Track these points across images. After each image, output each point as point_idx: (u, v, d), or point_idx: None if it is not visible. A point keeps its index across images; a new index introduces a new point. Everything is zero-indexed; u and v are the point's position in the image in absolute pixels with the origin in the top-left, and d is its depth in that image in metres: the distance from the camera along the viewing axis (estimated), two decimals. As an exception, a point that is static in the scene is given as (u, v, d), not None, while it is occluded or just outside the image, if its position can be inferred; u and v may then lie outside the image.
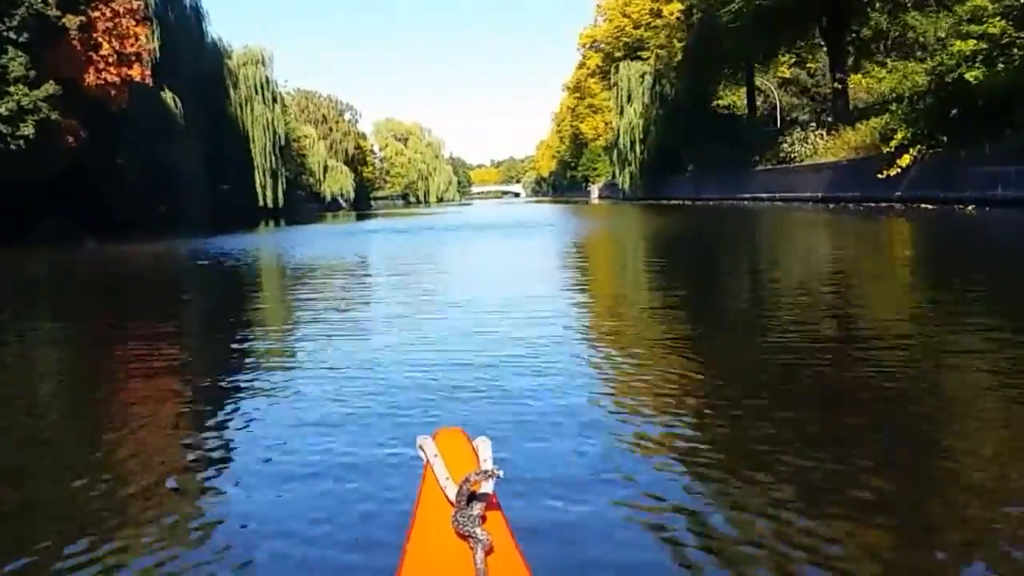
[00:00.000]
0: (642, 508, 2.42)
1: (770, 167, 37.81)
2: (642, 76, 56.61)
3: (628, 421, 3.30)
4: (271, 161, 56.20)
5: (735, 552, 2.14)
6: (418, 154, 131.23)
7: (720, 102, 50.14)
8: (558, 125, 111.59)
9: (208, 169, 46.08)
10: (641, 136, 56.65)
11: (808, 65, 45.85)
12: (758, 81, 46.04)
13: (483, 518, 1.16)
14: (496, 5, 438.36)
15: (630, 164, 58.56)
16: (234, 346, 5.89)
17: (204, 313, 8.85)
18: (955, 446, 2.95)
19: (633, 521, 2.34)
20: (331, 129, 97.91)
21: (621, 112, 58.83)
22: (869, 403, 3.50)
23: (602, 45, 71.12)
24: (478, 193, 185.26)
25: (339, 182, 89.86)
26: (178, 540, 2.35)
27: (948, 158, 22.46)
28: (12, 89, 26.68)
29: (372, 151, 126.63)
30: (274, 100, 57.86)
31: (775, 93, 44.79)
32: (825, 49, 39.88)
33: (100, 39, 30.74)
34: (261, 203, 55.05)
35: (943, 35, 22.33)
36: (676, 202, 45.98)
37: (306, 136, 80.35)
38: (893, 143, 24.19)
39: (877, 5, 34.62)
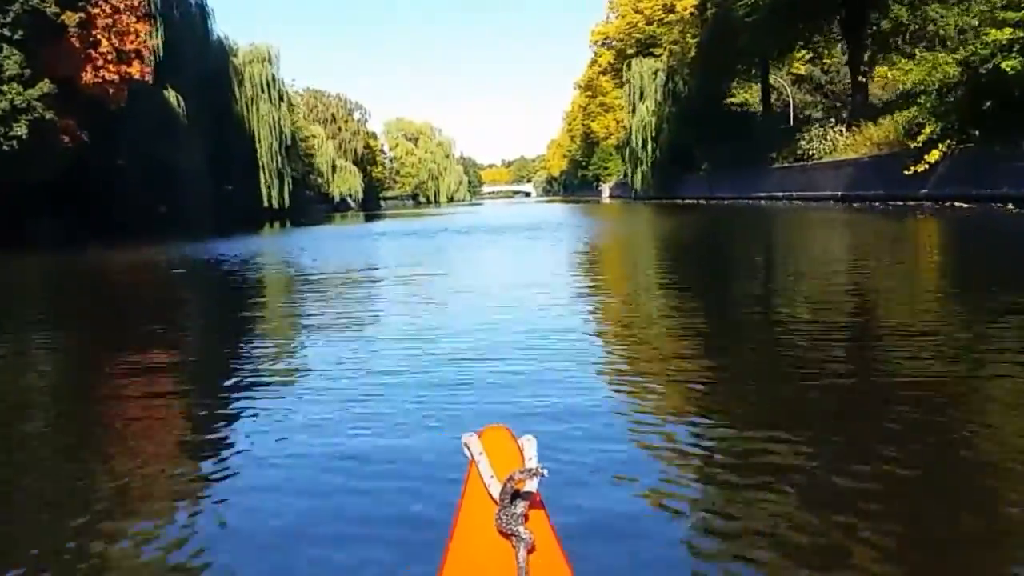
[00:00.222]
0: (678, 512, 2.37)
1: (787, 165, 36.66)
2: (655, 73, 55.51)
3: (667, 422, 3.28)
4: (277, 161, 55.44)
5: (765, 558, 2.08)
6: (428, 154, 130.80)
7: (734, 100, 49.00)
8: (569, 124, 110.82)
9: (212, 169, 45.37)
10: (653, 134, 55.52)
11: (824, 61, 44.70)
12: (771, 79, 44.94)
13: (526, 517, 1.16)
14: (507, 3, 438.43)
15: (642, 163, 57.47)
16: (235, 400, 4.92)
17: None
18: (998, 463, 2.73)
19: (680, 516, 2.33)
20: (340, 128, 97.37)
21: (633, 110, 57.73)
22: (907, 415, 3.25)
23: (614, 42, 70.10)
24: (488, 193, 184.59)
25: (348, 182, 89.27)
26: (178, 540, 2.33)
27: (980, 153, 21.27)
28: (5, 88, 25.86)
29: (382, 151, 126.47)
30: (280, 99, 57.18)
31: (788, 90, 43.59)
32: (841, 44, 38.75)
33: (99, 36, 29.96)
34: (266, 203, 54.27)
35: (976, 23, 21.10)
36: (690, 201, 44.82)
37: (314, 135, 79.79)
38: (921, 138, 22.96)
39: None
